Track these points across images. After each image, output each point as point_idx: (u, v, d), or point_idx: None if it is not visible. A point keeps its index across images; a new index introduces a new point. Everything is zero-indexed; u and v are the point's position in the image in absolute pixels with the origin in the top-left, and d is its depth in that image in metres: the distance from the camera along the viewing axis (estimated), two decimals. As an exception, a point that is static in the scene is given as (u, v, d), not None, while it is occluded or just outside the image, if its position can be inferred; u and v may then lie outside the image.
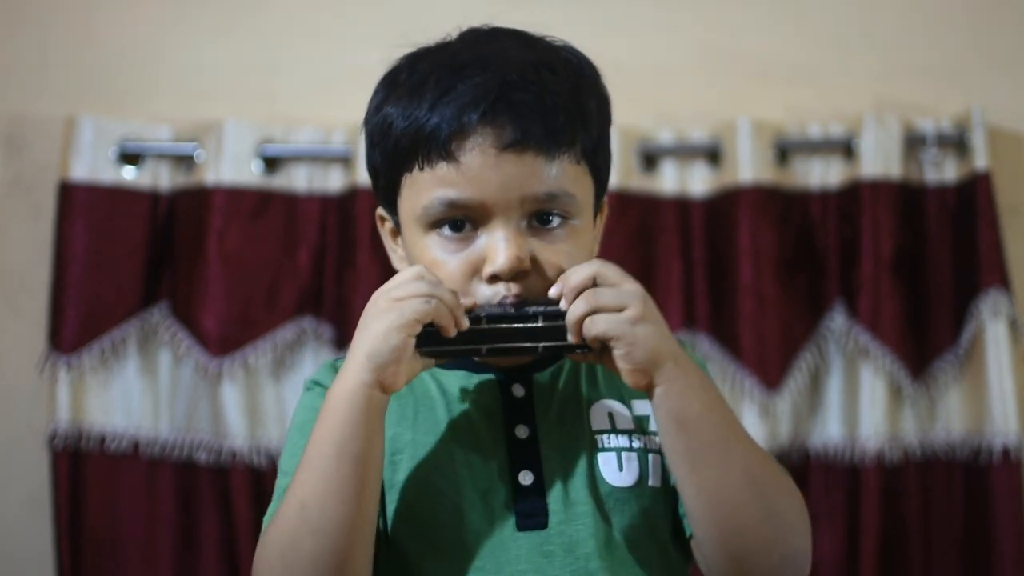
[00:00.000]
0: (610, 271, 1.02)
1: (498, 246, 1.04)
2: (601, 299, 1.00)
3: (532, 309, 1.02)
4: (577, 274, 1.02)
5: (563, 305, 1.01)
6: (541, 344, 1.02)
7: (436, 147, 1.04)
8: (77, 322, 1.91)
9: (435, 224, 1.07)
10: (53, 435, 1.89)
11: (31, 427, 1.94)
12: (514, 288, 1.04)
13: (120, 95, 2.02)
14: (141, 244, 1.95)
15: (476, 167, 1.04)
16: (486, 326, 1.01)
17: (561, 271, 1.04)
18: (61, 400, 1.90)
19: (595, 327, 0.99)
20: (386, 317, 0.99)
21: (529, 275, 1.05)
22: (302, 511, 0.98)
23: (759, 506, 1.00)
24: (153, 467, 1.93)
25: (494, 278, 1.04)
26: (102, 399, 1.93)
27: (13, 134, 2.00)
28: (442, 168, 1.05)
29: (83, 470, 1.90)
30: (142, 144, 1.97)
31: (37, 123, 2.00)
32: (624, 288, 1.01)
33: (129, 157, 1.96)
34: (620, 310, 0.99)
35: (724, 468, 1.00)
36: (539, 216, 1.06)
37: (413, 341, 0.99)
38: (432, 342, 1.01)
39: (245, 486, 1.89)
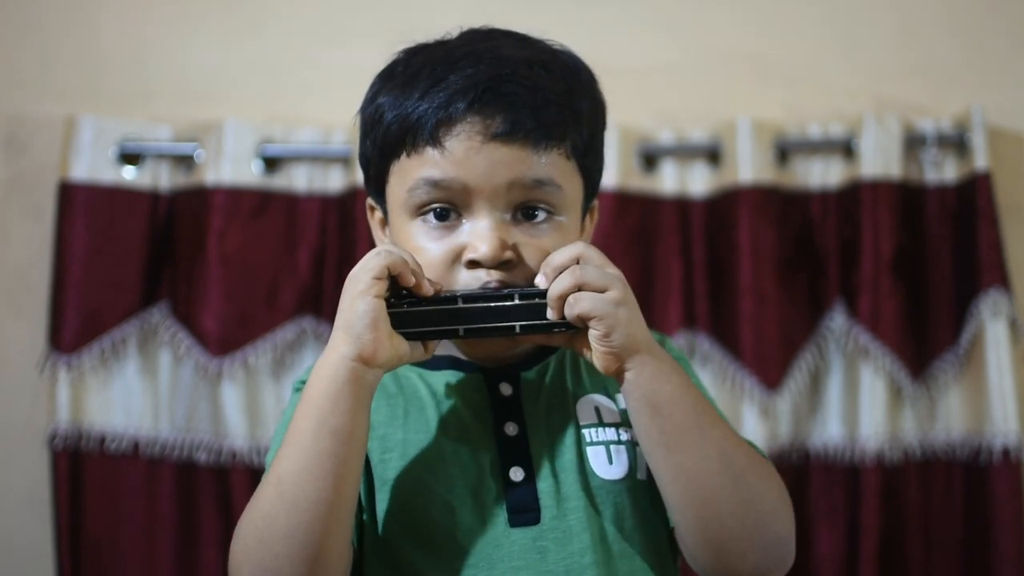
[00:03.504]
0: (594, 253, 1.03)
1: (482, 233, 1.04)
2: (586, 276, 1.00)
3: (509, 289, 1.03)
4: (561, 254, 1.03)
5: (544, 284, 1.02)
6: (518, 323, 1.02)
7: (423, 133, 1.05)
8: (77, 322, 1.91)
9: (420, 210, 1.07)
10: (53, 435, 1.89)
11: (31, 427, 1.94)
12: (496, 275, 1.04)
13: (120, 95, 2.02)
14: (141, 244, 1.95)
15: (461, 152, 1.04)
16: (462, 306, 1.01)
17: None
18: (61, 400, 1.90)
19: (579, 304, 1.00)
20: (349, 290, 1.01)
21: (513, 267, 1.05)
22: (278, 486, 0.98)
23: (736, 491, 1.00)
24: (153, 467, 1.92)
25: (474, 264, 1.05)
26: (102, 399, 1.93)
27: (13, 134, 2.01)
28: (428, 152, 1.06)
29: (83, 470, 1.90)
30: (142, 144, 1.97)
31: (37, 123, 2.00)
32: (607, 270, 1.02)
33: (129, 157, 1.96)
34: (603, 290, 1.00)
35: (699, 452, 1.00)
36: (525, 210, 1.07)
37: (383, 304, 1.00)
38: (409, 323, 1.01)
39: (245, 486, 1.88)
